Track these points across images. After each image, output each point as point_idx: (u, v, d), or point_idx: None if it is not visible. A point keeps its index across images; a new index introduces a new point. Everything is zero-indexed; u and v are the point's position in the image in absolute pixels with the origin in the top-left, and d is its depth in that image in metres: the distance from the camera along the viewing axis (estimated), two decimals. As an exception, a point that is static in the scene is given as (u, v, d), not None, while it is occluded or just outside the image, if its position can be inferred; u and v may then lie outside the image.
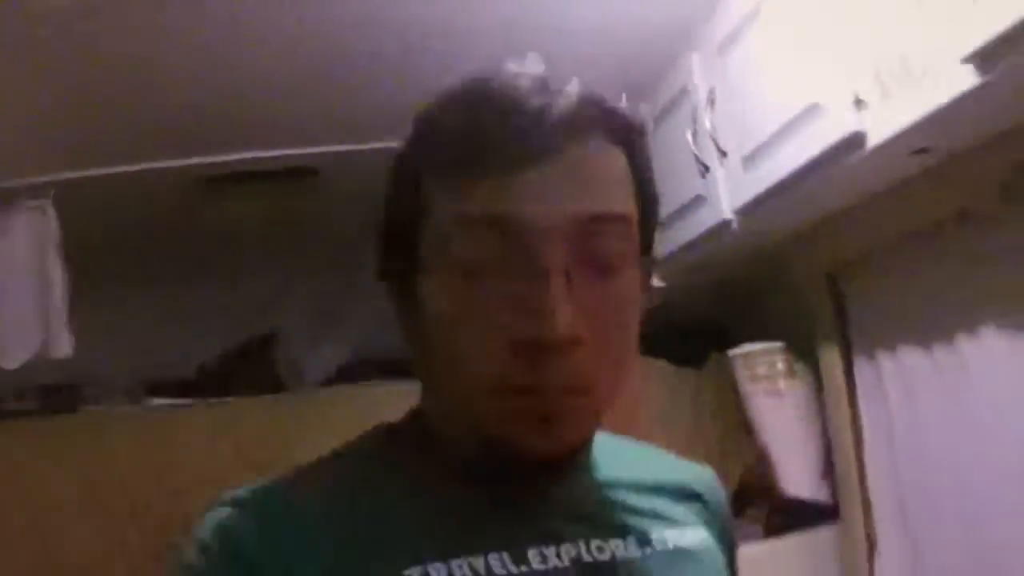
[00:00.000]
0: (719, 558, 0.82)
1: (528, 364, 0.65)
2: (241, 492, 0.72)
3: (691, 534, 0.80)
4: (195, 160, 2.28)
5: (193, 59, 1.87)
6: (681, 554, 0.77)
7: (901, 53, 1.24)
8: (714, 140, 1.81)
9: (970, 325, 1.53)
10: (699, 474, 0.89)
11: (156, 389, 2.73)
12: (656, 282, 2.17)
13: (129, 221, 2.52)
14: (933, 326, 1.64)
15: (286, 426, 2.08)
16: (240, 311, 2.87)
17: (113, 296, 2.65)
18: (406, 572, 0.65)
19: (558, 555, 0.70)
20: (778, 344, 2.07)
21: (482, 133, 0.67)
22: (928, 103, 1.21)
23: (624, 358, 0.72)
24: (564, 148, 0.67)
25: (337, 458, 0.78)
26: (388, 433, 0.80)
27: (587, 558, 0.71)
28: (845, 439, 1.95)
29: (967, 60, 1.10)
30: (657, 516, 0.79)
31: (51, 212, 2.18)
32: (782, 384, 2.04)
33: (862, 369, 1.89)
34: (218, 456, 2.02)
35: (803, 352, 2.06)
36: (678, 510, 0.82)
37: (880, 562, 1.86)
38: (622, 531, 0.75)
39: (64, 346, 2.13)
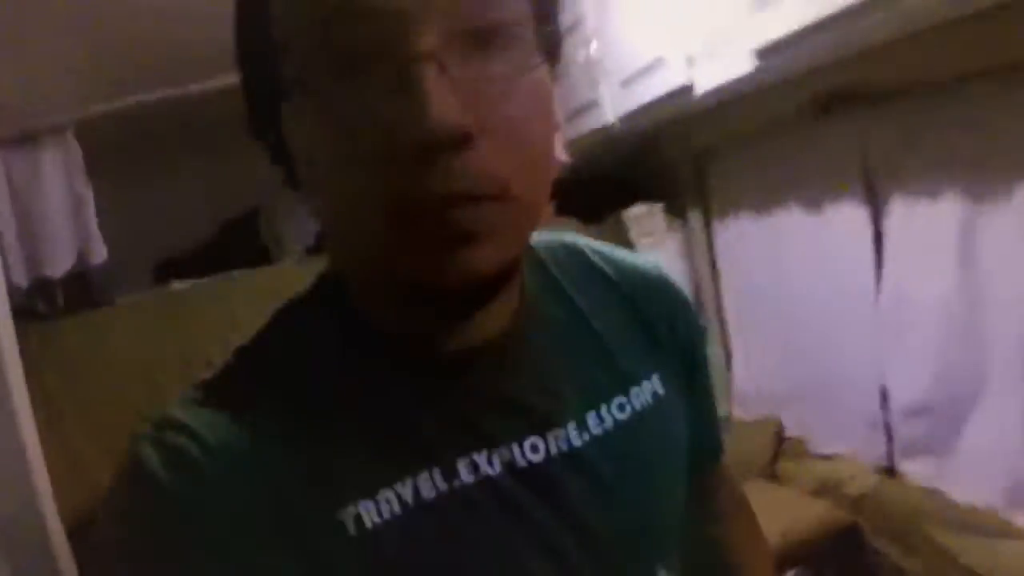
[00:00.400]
0: (677, 405, 0.78)
1: (416, 173, 0.54)
2: (160, 418, 0.62)
3: (646, 388, 0.75)
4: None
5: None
6: (631, 424, 0.72)
7: (720, 28, 1.77)
8: (599, 63, 2.36)
9: (783, 201, 2.16)
10: (657, 281, 0.82)
11: (164, 267, 3.28)
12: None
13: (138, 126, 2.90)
14: (764, 199, 2.27)
15: (274, 294, 2.64)
16: (227, 188, 3.22)
17: (112, 184, 2.88)
18: (339, 518, 0.59)
19: (489, 461, 0.65)
20: (659, 205, 2.68)
21: None
22: (728, 71, 1.77)
23: (538, 156, 0.60)
24: None
25: (253, 365, 0.67)
26: (297, 317, 0.70)
27: (521, 462, 0.66)
28: (706, 278, 2.62)
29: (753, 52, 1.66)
30: (610, 369, 0.74)
31: (73, 143, 2.66)
32: (665, 238, 2.66)
33: (718, 227, 2.54)
34: (221, 324, 2.46)
35: (678, 212, 2.68)
36: (633, 350, 0.76)
37: (734, 367, 2.59)
38: (560, 415, 0.69)
39: (99, 253, 2.67)
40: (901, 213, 1.77)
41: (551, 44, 0.63)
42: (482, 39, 0.56)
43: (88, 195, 2.67)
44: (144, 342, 2.61)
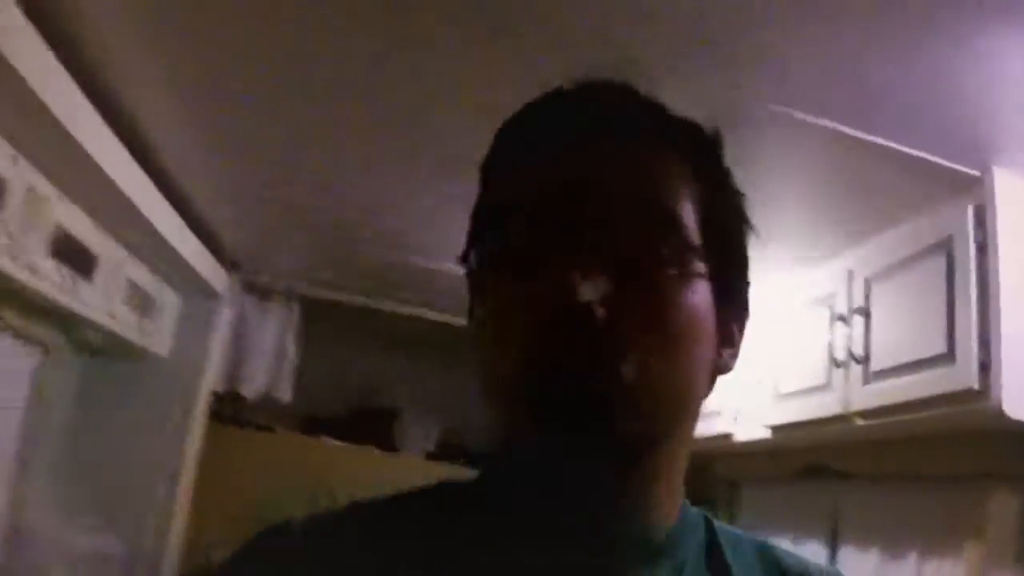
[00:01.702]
0: None
1: (552, 341, 0.58)
2: (282, 522, 0.70)
3: None
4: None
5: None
6: None
7: (752, 406, 2.57)
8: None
9: (774, 531, 2.87)
10: None
11: (312, 420, 4.14)
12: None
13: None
14: (765, 526, 2.97)
15: (400, 474, 3.46)
16: (365, 380, 4.14)
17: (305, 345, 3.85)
18: None
19: None
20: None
21: (519, 129, 0.67)
22: (755, 433, 2.56)
23: (679, 367, 0.62)
24: (604, 141, 0.63)
25: (358, 510, 0.72)
26: (414, 492, 0.73)
27: None
28: None
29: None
30: None
31: (296, 309, 3.63)
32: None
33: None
34: (351, 481, 3.10)
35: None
36: None
37: None
38: None
39: (286, 394, 3.58)
40: (850, 553, 2.45)
41: (728, 280, 0.67)
42: (644, 264, 0.61)
43: (292, 349, 3.62)
44: (288, 468, 3.45)
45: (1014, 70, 1.37)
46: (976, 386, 1.65)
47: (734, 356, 0.71)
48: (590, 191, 0.61)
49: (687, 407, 0.65)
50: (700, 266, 0.63)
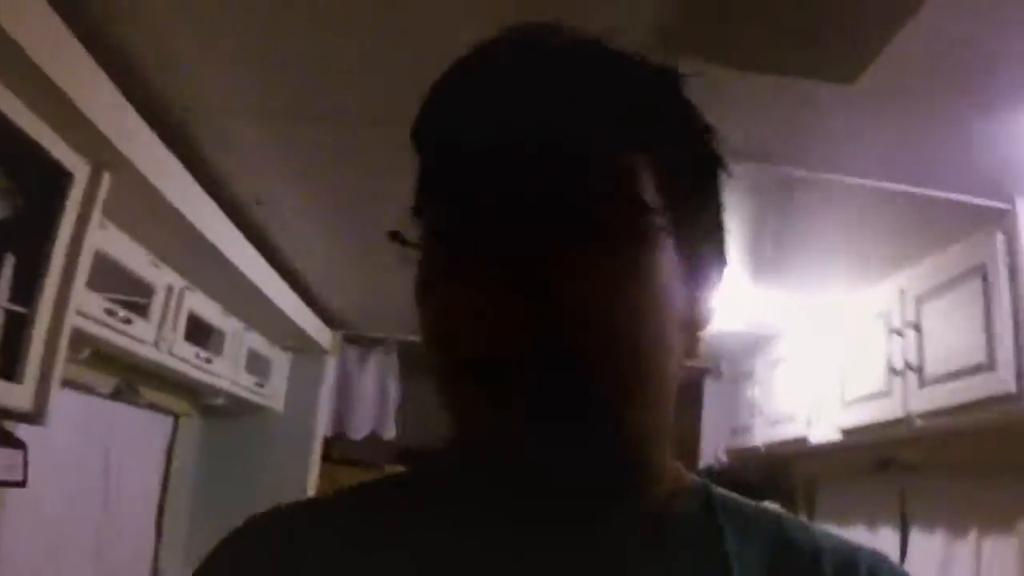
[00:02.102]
0: None
1: (492, 324, 0.54)
2: (254, 517, 0.70)
3: None
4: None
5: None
6: None
7: (824, 410, 2.79)
8: (758, 404, 3.41)
9: (853, 521, 3.07)
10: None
11: (409, 452, 4.43)
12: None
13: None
14: (842, 518, 3.18)
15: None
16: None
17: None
18: None
19: None
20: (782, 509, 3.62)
21: (451, 93, 0.60)
22: (827, 435, 2.78)
23: (634, 331, 0.57)
24: (543, 104, 0.57)
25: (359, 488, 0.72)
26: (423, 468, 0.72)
27: None
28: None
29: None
30: None
31: (393, 355, 3.94)
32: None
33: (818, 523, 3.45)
34: None
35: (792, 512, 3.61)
36: None
37: None
38: None
39: (390, 432, 3.89)
40: (918, 535, 2.65)
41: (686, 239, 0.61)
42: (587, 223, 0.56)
43: (394, 393, 3.92)
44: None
45: None
46: (1014, 390, 1.86)
47: (709, 309, 0.65)
48: (528, 163, 0.56)
49: (648, 369, 0.58)
50: (653, 221, 0.57)
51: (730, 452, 3.76)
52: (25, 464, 1.49)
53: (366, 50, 1.56)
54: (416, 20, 1.46)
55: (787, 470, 3.68)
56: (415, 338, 3.11)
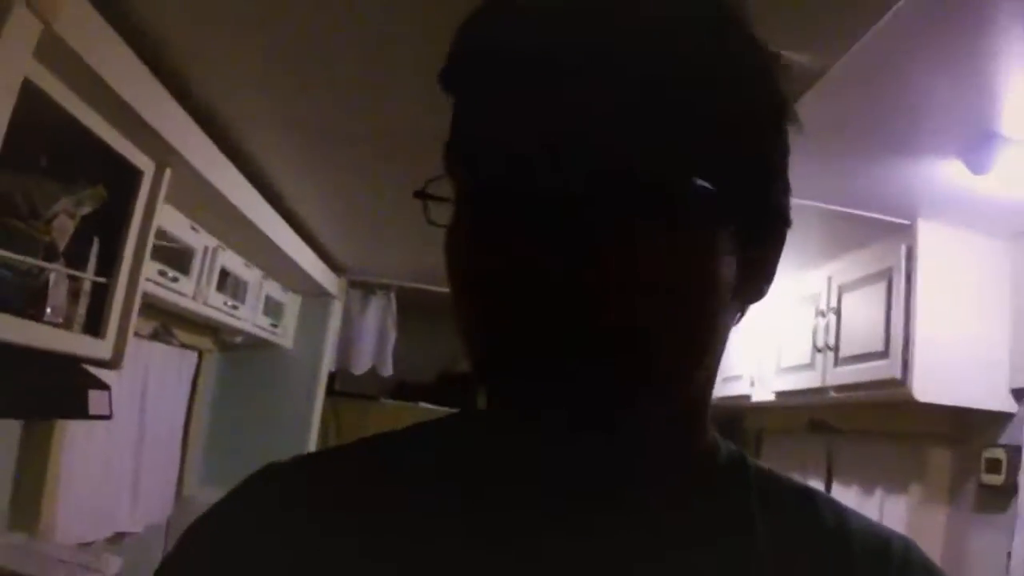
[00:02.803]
0: None
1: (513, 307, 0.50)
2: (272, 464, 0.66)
3: None
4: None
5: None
6: None
7: (764, 374, 3.23)
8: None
9: (789, 471, 3.52)
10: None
11: (403, 386, 4.90)
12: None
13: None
14: (783, 468, 3.63)
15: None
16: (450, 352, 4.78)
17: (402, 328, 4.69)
18: None
19: None
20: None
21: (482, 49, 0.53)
22: (765, 396, 3.22)
23: (672, 319, 0.52)
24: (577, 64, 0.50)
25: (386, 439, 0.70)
26: (451, 420, 0.69)
27: None
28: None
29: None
30: None
31: (393, 299, 4.36)
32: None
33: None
34: None
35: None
36: None
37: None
38: None
39: (388, 369, 4.33)
40: (838, 489, 3.11)
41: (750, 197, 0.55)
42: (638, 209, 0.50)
43: (392, 333, 4.35)
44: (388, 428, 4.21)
45: (927, 172, 2.01)
46: (899, 376, 2.28)
47: (766, 282, 0.61)
48: (580, 113, 0.50)
49: (701, 348, 0.56)
50: (697, 210, 0.51)
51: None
52: (110, 401, 1.90)
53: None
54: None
55: (741, 423, 4.13)
56: (411, 285, 3.53)
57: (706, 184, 0.51)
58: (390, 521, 0.58)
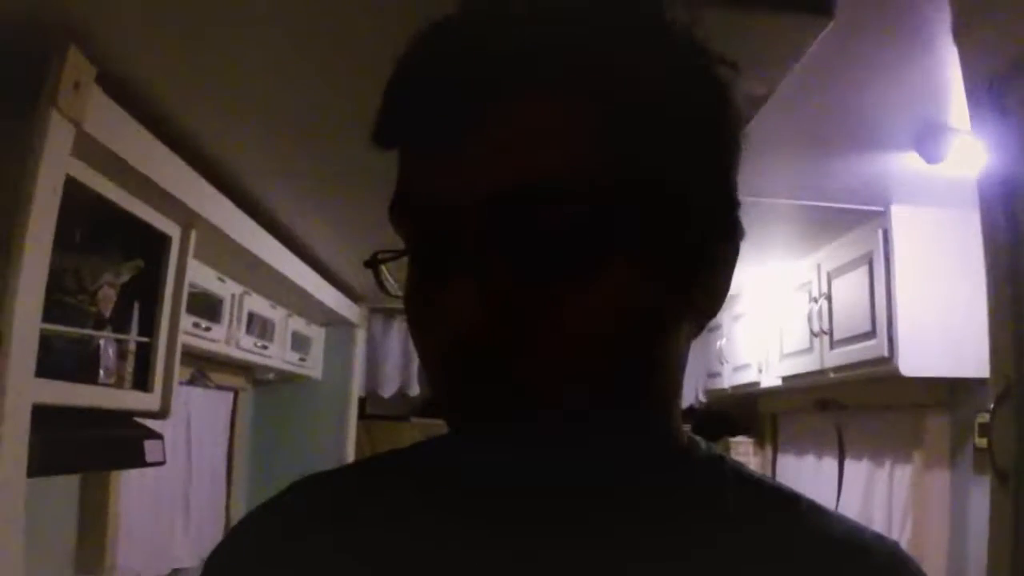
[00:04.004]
0: None
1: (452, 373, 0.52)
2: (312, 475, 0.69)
3: None
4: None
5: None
6: None
7: (769, 360, 3.39)
8: (723, 352, 4.01)
9: (804, 449, 3.68)
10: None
11: (429, 403, 5.07)
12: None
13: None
14: (796, 446, 3.79)
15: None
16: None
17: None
18: None
19: None
20: (751, 440, 4.24)
21: (411, 95, 0.52)
22: (772, 381, 3.38)
23: (602, 358, 0.52)
24: (491, 107, 0.50)
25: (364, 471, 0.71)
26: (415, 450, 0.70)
27: None
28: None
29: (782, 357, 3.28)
30: None
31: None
32: (751, 460, 4.20)
33: (780, 458, 4.08)
34: None
35: (760, 445, 4.23)
36: None
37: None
38: None
39: (414, 389, 4.52)
40: (851, 463, 3.26)
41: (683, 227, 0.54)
42: (545, 251, 0.50)
43: (416, 354, 4.53)
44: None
45: (892, 164, 2.17)
46: (887, 354, 2.44)
47: (717, 296, 0.60)
48: (460, 174, 0.50)
49: (630, 382, 0.55)
50: (620, 237, 0.51)
51: (708, 393, 4.38)
52: (163, 449, 2.09)
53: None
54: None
55: (755, 407, 4.29)
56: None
57: (629, 247, 0.52)
58: (385, 532, 0.61)
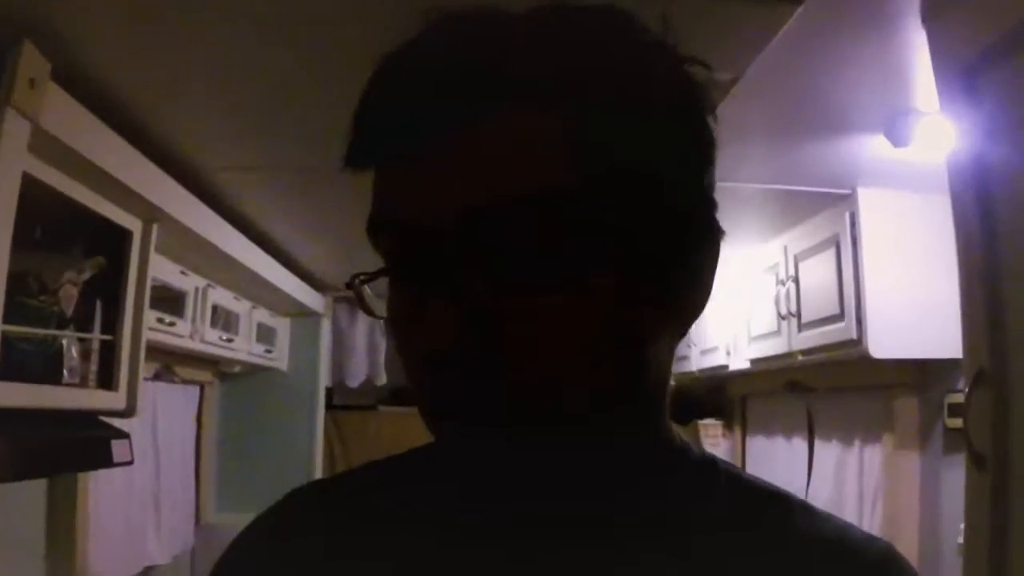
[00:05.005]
0: None
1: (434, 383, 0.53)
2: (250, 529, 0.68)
3: None
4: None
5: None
6: None
7: (737, 344, 3.40)
8: (691, 335, 4.00)
9: (773, 430, 3.71)
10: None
11: (396, 392, 5.04)
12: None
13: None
14: (766, 428, 3.81)
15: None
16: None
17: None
18: None
19: None
20: (720, 422, 4.26)
21: (382, 110, 0.53)
22: (741, 364, 3.39)
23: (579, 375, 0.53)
24: (462, 123, 0.50)
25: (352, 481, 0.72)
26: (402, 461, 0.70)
27: None
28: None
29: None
30: None
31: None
32: (720, 441, 4.23)
33: (749, 440, 4.10)
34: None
35: (729, 427, 4.25)
36: None
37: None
38: None
39: (382, 378, 4.49)
40: (821, 445, 3.29)
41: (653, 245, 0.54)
42: (517, 268, 0.50)
43: (382, 343, 4.51)
44: (389, 437, 4.36)
45: (859, 148, 2.17)
46: (855, 336, 2.46)
47: (701, 295, 0.61)
48: (431, 193, 0.51)
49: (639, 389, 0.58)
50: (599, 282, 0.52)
51: (675, 376, 4.40)
52: (131, 448, 2.05)
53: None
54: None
55: (724, 390, 4.31)
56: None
57: (607, 268, 0.52)
58: (383, 537, 0.62)
